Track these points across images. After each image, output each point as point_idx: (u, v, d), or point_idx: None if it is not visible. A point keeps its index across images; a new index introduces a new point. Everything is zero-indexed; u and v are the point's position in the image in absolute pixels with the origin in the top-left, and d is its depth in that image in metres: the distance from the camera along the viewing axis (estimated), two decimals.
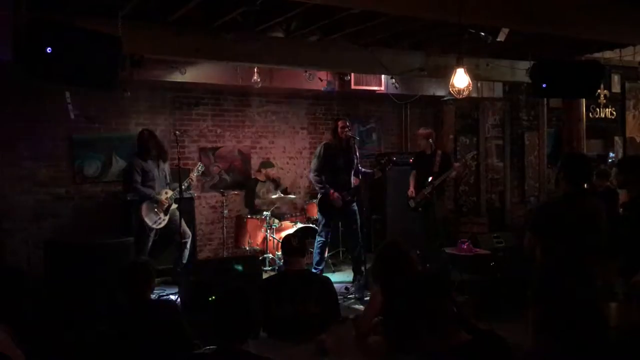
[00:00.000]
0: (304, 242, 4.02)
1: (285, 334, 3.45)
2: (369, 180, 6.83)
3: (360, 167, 6.71)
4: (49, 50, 3.97)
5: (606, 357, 2.28)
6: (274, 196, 7.36)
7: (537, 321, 2.39)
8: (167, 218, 6.52)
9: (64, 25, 4.17)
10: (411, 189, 7.24)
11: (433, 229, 7.22)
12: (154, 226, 6.43)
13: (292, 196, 7.52)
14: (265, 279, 4.05)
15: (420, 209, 7.14)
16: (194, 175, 6.69)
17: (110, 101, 7.22)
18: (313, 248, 6.59)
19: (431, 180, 7.00)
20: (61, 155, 7.06)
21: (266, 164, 8.07)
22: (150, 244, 6.46)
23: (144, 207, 6.40)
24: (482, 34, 5.96)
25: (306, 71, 7.28)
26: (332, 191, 6.41)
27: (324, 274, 6.20)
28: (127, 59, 5.58)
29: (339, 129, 6.51)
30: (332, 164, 6.50)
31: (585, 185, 4.13)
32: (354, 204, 6.63)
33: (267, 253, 7.21)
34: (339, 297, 4.26)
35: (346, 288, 6.47)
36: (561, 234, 3.81)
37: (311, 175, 6.63)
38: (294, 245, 3.85)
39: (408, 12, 5.04)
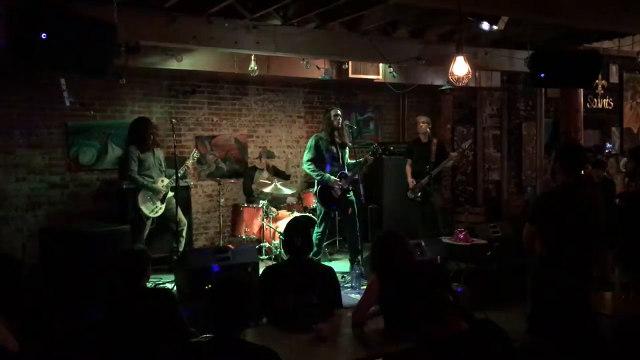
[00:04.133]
0: (308, 240, 3.82)
1: (286, 323, 3.43)
2: (362, 167, 6.81)
3: (348, 159, 6.70)
4: (43, 36, 3.93)
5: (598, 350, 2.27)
6: (268, 189, 7.31)
7: (531, 313, 2.39)
8: (163, 206, 6.50)
9: (59, 11, 4.12)
10: (410, 179, 7.25)
11: (431, 218, 7.23)
12: (151, 215, 6.41)
13: (288, 191, 7.47)
14: (269, 267, 3.99)
15: (418, 199, 7.15)
16: (189, 162, 6.65)
17: (105, 88, 7.16)
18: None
19: (427, 171, 7.06)
20: (56, 143, 7.02)
21: (268, 153, 8.03)
22: (147, 232, 6.44)
23: (141, 195, 6.36)
24: (481, 22, 5.92)
25: (303, 59, 7.24)
26: (329, 177, 6.42)
27: (325, 264, 6.19)
28: (122, 45, 5.52)
29: (332, 118, 6.52)
30: (327, 155, 6.50)
31: (582, 173, 4.13)
32: (351, 193, 6.63)
33: (263, 242, 7.19)
34: None
35: (343, 277, 6.46)
36: (560, 224, 3.80)
37: (304, 167, 6.62)
38: (297, 246, 3.71)
39: (406, 0, 5.01)
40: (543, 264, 3.82)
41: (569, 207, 3.82)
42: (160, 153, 6.66)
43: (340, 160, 6.59)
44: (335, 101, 8.80)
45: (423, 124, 7.35)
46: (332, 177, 6.45)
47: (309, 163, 6.55)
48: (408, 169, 7.39)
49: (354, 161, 6.70)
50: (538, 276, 3.79)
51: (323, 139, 6.56)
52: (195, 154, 6.77)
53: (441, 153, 7.26)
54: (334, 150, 6.55)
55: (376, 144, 6.60)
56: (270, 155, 8.00)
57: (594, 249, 3.96)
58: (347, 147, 6.69)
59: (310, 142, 6.64)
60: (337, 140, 6.57)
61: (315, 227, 6.58)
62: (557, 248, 3.80)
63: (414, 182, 7.23)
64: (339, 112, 6.62)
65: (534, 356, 2.30)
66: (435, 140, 7.35)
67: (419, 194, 7.17)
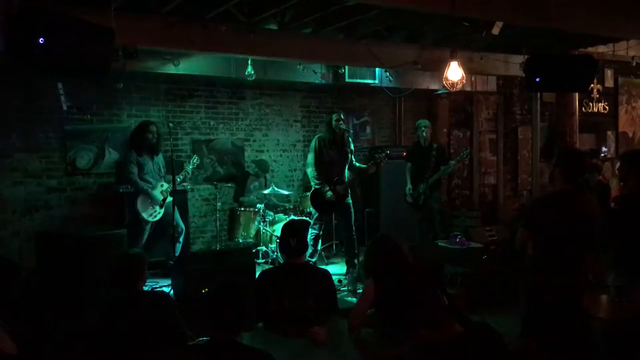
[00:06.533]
0: (303, 241, 3.82)
1: (282, 327, 3.44)
2: (363, 175, 6.82)
3: (354, 162, 6.70)
4: (41, 40, 3.95)
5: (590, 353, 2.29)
6: (266, 191, 7.35)
7: (525, 316, 2.41)
8: (162, 211, 6.49)
9: (57, 16, 4.14)
10: (409, 184, 7.26)
11: (428, 222, 7.24)
12: (150, 219, 6.40)
13: (285, 192, 7.52)
14: (265, 271, 4.00)
15: (420, 200, 7.16)
16: (189, 168, 6.65)
17: (103, 92, 7.18)
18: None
19: (426, 177, 7.08)
20: (53, 147, 7.02)
21: (261, 163, 8.00)
22: (145, 236, 6.43)
23: (140, 200, 6.35)
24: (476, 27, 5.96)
25: (300, 64, 7.27)
26: (327, 190, 6.41)
27: (322, 267, 6.20)
28: (120, 50, 5.54)
29: (334, 122, 6.50)
30: (326, 158, 6.49)
31: (579, 180, 4.14)
32: (348, 197, 6.64)
33: (260, 245, 7.20)
34: None
35: (339, 281, 6.48)
36: (554, 230, 3.82)
37: (309, 171, 6.58)
38: (292, 246, 3.72)
39: (402, 5, 5.04)
40: (535, 268, 3.84)
41: (565, 213, 3.82)
42: (160, 158, 6.65)
43: (341, 163, 6.58)
44: (332, 105, 8.82)
45: (426, 129, 7.34)
46: (330, 193, 6.41)
47: (313, 168, 6.51)
48: (408, 174, 7.38)
49: (358, 164, 6.70)
50: (530, 280, 3.80)
51: (325, 141, 6.54)
52: (195, 160, 6.77)
53: (441, 158, 7.27)
54: (335, 153, 6.53)
55: (382, 154, 6.55)
56: (264, 168, 7.95)
57: (588, 255, 3.98)
58: (349, 152, 6.66)
59: (313, 143, 6.60)
60: (338, 143, 6.56)
61: (310, 229, 6.58)
62: (550, 253, 3.82)
63: (412, 186, 7.24)
64: (342, 116, 6.60)
65: (528, 358, 2.32)
66: (435, 145, 7.36)
67: (419, 198, 7.19)
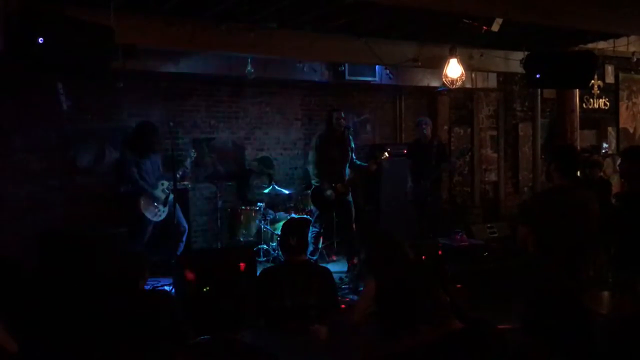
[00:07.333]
0: (303, 239, 3.86)
1: (283, 325, 3.45)
2: (363, 172, 6.82)
3: (355, 159, 6.70)
4: (40, 40, 3.95)
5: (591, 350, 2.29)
6: (266, 190, 7.37)
7: (525, 313, 2.41)
8: (166, 210, 6.50)
9: (56, 16, 4.15)
10: (410, 182, 7.26)
11: (429, 220, 7.24)
12: (155, 219, 6.40)
13: (286, 191, 7.52)
14: (266, 269, 4.01)
15: (420, 200, 7.17)
16: (187, 162, 6.66)
17: (103, 92, 7.16)
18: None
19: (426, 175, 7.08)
20: (54, 147, 7.02)
21: (265, 160, 8.01)
22: (147, 236, 6.43)
23: (143, 200, 6.36)
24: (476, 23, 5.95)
25: (300, 62, 7.26)
26: (327, 189, 6.42)
27: (322, 265, 6.21)
28: (119, 49, 5.54)
29: (334, 120, 6.50)
30: (327, 156, 6.49)
31: (577, 174, 4.15)
32: (349, 195, 6.64)
33: (261, 244, 7.21)
34: None
35: (340, 279, 6.48)
36: (554, 225, 3.83)
37: (310, 169, 6.61)
38: (292, 245, 3.75)
39: (401, 2, 5.04)
40: (536, 264, 3.85)
41: (563, 208, 3.84)
42: (157, 158, 6.65)
43: (341, 161, 6.58)
44: (332, 103, 8.80)
45: (427, 126, 7.33)
46: (330, 191, 6.44)
47: (314, 166, 6.51)
48: (409, 171, 7.39)
49: (359, 162, 6.70)
50: (531, 276, 3.82)
51: (326, 139, 6.55)
52: (192, 154, 6.78)
53: (441, 155, 7.27)
54: (335, 151, 6.54)
55: (382, 152, 6.56)
56: (268, 165, 7.97)
57: (588, 250, 3.99)
58: (349, 150, 6.67)
59: (315, 142, 6.62)
60: (339, 141, 6.57)
61: (311, 227, 6.60)
62: (550, 248, 3.82)
63: (413, 184, 7.24)
64: (342, 114, 6.61)
65: (528, 356, 2.32)
66: (435, 142, 7.36)
67: (420, 195, 7.19)
